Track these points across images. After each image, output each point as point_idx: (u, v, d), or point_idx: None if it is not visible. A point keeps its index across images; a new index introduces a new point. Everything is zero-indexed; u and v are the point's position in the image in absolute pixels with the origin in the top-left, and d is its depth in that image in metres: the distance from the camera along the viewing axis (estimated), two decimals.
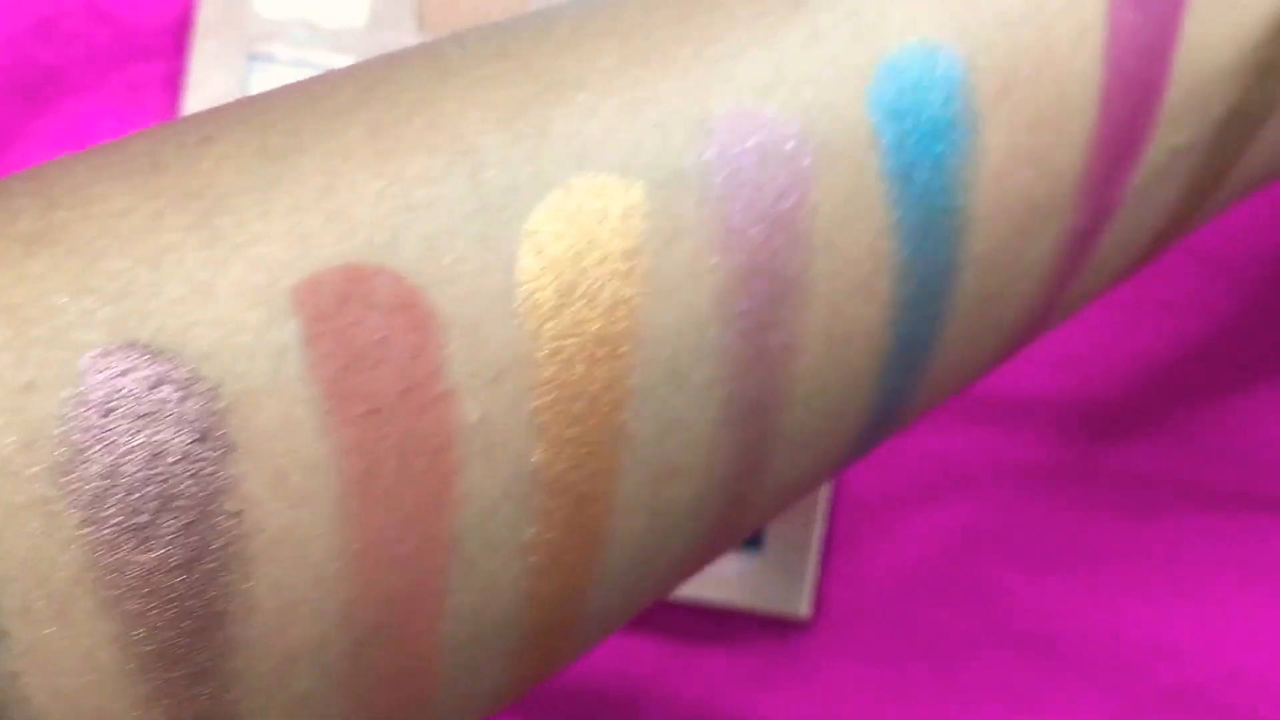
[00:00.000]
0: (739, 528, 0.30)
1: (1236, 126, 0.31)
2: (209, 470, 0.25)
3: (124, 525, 0.25)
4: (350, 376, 0.26)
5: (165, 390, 0.25)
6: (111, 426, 0.25)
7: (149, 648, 0.25)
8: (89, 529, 0.25)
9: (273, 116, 0.27)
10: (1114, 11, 0.29)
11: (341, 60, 0.43)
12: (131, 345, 0.25)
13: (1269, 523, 0.43)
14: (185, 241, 0.25)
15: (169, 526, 0.25)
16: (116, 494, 0.25)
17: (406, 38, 0.43)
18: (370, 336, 0.26)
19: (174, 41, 0.43)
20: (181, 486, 0.25)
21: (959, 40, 0.29)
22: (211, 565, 0.25)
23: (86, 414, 0.25)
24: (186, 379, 0.25)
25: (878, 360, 0.29)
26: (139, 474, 0.25)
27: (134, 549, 0.25)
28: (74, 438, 0.24)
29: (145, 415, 0.25)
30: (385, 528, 0.26)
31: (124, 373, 0.25)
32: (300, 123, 0.27)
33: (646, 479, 0.28)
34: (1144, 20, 0.30)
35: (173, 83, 0.43)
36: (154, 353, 0.25)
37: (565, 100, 0.27)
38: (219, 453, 0.25)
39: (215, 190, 0.26)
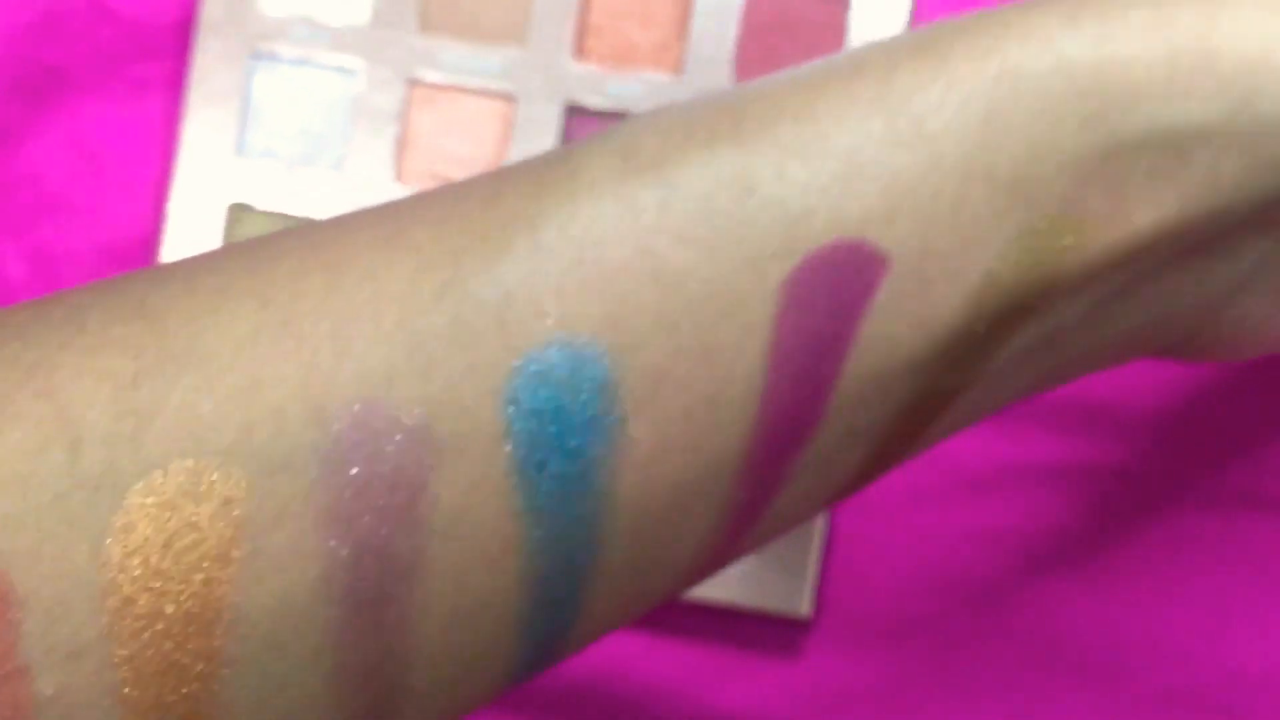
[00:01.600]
0: None
1: (925, 406, 0.31)
2: None
3: None
4: None
5: None
6: None
7: None
8: None
9: None
10: (782, 315, 0.29)
11: (344, 59, 0.43)
12: None
13: (1270, 522, 0.43)
14: None
15: None
16: None
17: (408, 36, 0.43)
18: None
19: (178, 40, 0.43)
20: None
21: (610, 337, 0.29)
22: None
23: None
24: None
25: (514, 624, 0.29)
26: None
27: None
28: None
29: None
30: None
31: None
32: None
33: None
34: (816, 323, 0.29)
35: (176, 81, 0.43)
36: None
37: (185, 373, 0.28)
38: None
39: None
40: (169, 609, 0.27)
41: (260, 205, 0.43)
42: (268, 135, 0.43)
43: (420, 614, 0.29)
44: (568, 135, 0.43)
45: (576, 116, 0.43)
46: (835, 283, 0.29)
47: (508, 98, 0.43)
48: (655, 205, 0.29)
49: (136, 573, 0.27)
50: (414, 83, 0.43)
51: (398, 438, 0.28)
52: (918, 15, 0.43)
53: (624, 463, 0.29)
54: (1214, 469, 0.43)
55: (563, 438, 0.29)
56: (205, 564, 0.27)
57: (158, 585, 0.27)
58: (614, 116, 0.43)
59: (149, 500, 0.27)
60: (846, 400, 0.30)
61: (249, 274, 0.29)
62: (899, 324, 0.30)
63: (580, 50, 0.43)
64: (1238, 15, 0.29)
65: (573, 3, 0.43)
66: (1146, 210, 0.30)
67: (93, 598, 0.27)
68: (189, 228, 0.42)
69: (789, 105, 0.29)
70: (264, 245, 0.29)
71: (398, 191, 0.43)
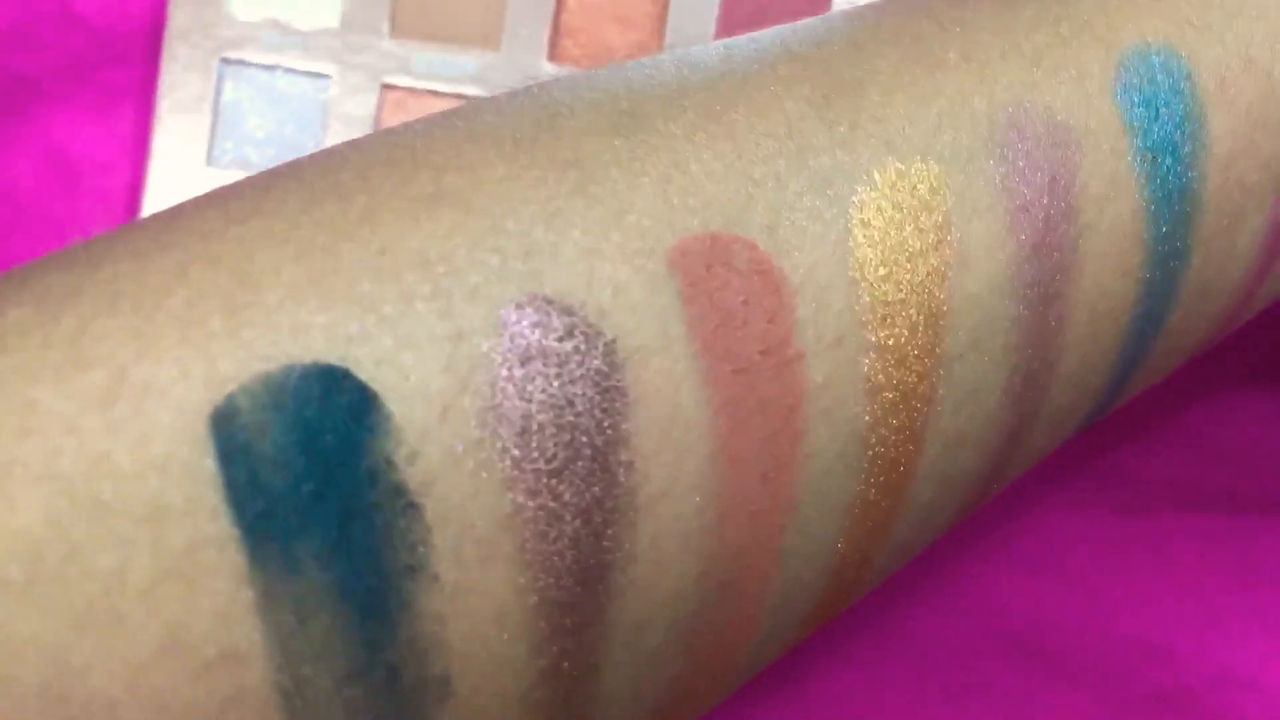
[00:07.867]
0: (988, 494, 0.32)
1: None
2: (609, 422, 0.26)
3: (542, 471, 0.26)
4: (721, 336, 0.27)
5: (573, 343, 0.26)
6: (529, 376, 0.26)
7: (550, 594, 0.26)
8: (515, 473, 0.26)
9: (611, 95, 0.29)
10: None
11: (313, 65, 0.42)
12: (544, 300, 0.26)
13: (1259, 523, 0.42)
14: (569, 206, 0.27)
15: (574, 474, 0.26)
16: (533, 441, 0.26)
17: (379, 40, 0.42)
18: (735, 299, 0.27)
19: (147, 47, 0.43)
20: (586, 437, 0.26)
21: (1178, 43, 0.31)
22: (606, 515, 0.26)
23: (508, 363, 0.26)
24: (591, 333, 0.26)
25: (1120, 340, 0.32)
26: (551, 423, 0.26)
27: (549, 496, 0.26)
28: (499, 385, 0.26)
29: (557, 366, 0.26)
30: (743, 486, 0.27)
31: (537, 325, 0.26)
32: (639, 104, 0.29)
33: (943, 446, 0.30)
34: None
35: (147, 88, 0.43)
36: (562, 308, 0.26)
37: (862, 95, 0.29)
38: (617, 405, 0.26)
39: (584, 161, 0.28)
40: (902, 295, 0.29)
41: None
42: (239, 143, 0.43)
43: (1072, 316, 0.30)
44: None
45: None
46: None
47: None
48: None
49: (876, 260, 0.28)
50: (386, 87, 0.43)
51: (1053, 133, 0.30)
52: None
53: (1208, 162, 0.31)
54: (1204, 469, 0.43)
55: (1167, 129, 0.31)
56: (926, 252, 0.29)
57: (894, 272, 0.29)
58: None
59: (874, 195, 0.29)
60: None
61: (864, 27, 0.31)
62: None
63: (555, 52, 0.43)
64: None
65: (548, 5, 0.42)
66: None
67: (845, 285, 0.28)
68: None
69: None
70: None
71: None
